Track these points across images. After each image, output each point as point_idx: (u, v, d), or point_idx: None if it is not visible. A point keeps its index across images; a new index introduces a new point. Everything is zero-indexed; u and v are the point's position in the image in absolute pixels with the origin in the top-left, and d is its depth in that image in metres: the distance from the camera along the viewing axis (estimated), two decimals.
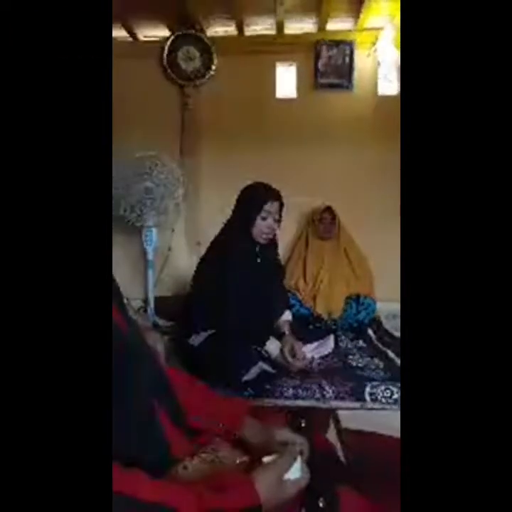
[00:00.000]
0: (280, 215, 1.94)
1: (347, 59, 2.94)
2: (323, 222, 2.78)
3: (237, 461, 0.77)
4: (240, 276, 1.85)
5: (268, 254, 2.02)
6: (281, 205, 1.92)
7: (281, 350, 1.86)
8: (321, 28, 2.90)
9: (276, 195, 1.90)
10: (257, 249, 1.96)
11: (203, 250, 2.06)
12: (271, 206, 1.88)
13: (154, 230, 2.82)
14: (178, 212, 2.91)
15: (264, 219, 1.88)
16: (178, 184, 2.75)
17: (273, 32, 2.97)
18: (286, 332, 1.96)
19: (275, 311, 2.06)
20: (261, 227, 1.89)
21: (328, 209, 2.77)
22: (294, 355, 1.85)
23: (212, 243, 2.01)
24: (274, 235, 1.98)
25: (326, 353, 2.13)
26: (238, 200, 1.97)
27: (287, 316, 2.09)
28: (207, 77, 2.97)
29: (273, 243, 2.04)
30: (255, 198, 1.90)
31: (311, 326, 2.55)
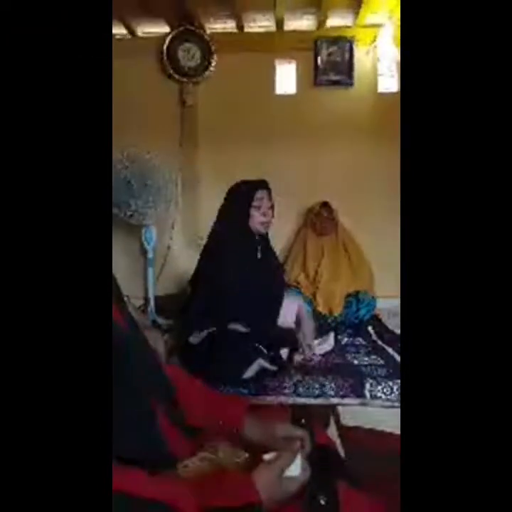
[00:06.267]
0: (271, 202, 1.97)
1: (347, 56, 2.94)
2: (320, 218, 2.78)
3: (237, 459, 0.77)
4: (240, 273, 1.85)
5: (266, 248, 2.04)
6: (270, 192, 1.96)
7: (293, 356, 1.96)
8: (321, 24, 2.90)
9: (262, 184, 1.95)
10: (257, 242, 1.97)
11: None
12: (261, 193, 1.92)
13: (153, 228, 2.82)
14: (177, 210, 2.90)
15: (258, 208, 1.91)
16: (176, 181, 2.75)
17: (273, 29, 2.96)
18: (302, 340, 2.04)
19: (277, 308, 2.06)
20: (257, 217, 1.92)
21: (326, 205, 2.77)
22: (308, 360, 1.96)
23: (208, 241, 2.01)
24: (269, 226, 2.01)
25: (327, 350, 2.13)
26: (227, 198, 2.01)
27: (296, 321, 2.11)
28: (206, 74, 2.97)
29: (267, 236, 2.06)
30: (244, 191, 1.95)
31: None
